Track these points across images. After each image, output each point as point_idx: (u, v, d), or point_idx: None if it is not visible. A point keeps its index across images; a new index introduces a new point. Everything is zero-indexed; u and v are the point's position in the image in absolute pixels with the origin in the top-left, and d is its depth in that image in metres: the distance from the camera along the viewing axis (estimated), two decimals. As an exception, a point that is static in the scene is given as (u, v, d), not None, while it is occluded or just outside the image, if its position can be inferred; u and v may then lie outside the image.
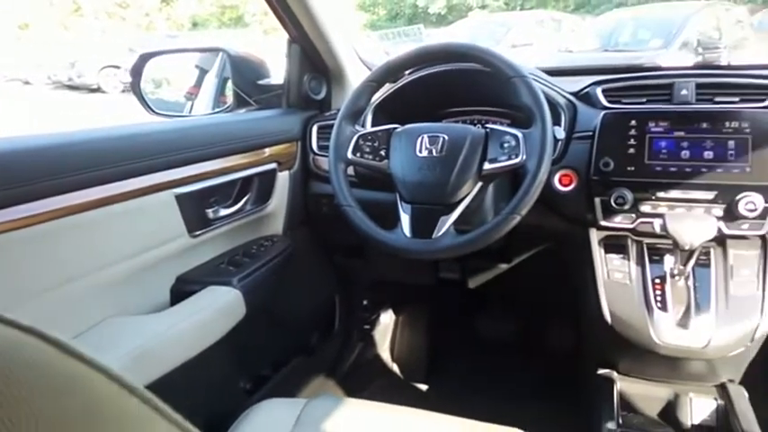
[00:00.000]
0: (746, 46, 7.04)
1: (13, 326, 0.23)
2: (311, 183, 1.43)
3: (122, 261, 0.95)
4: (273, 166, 1.30)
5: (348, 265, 1.65)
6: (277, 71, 1.52)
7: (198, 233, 1.10)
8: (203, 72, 1.69)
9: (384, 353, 1.89)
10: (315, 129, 1.40)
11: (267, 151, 1.28)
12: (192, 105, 1.68)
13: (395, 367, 1.87)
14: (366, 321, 1.85)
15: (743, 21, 7.72)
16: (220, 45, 1.60)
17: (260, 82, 1.48)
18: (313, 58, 1.39)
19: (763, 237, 1.04)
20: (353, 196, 1.10)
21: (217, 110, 1.60)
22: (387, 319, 1.91)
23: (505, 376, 1.66)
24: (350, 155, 1.11)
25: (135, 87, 1.43)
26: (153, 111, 1.43)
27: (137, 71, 1.42)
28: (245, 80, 1.47)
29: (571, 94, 1.22)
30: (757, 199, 1.00)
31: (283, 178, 1.35)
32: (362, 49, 1.52)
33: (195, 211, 1.08)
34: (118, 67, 11.55)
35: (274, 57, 1.54)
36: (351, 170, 1.26)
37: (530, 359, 1.72)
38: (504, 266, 1.39)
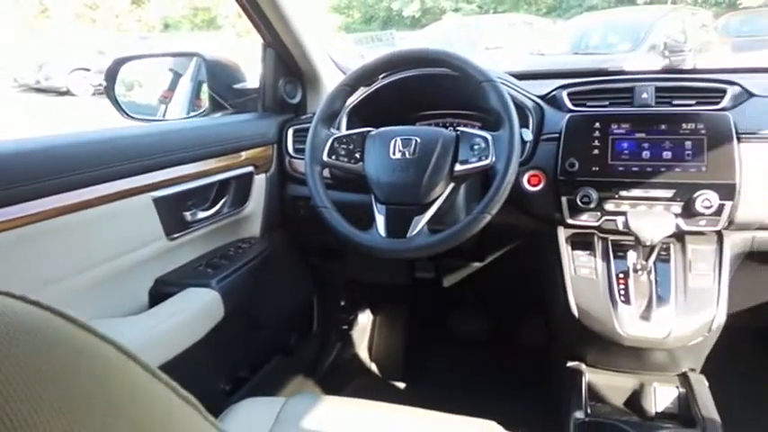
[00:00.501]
0: (711, 49, 7.25)
1: (36, 305, 0.26)
2: (288, 185, 1.45)
3: (101, 264, 0.96)
4: (250, 169, 1.32)
5: (325, 266, 1.68)
6: (252, 75, 1.54)
7: (176, 236, 1.11)
8: (177, 76, 1.70)
9: (362, 352, 1.92)
10: (290, 132, 1.42)
11: (244, 155, 1.30)
12: (165, 109, 1.69)
13: (373, 366, 1.90)
14: (344, 322, 1.87)
15: (707, 25, 7.94)
16: (194, 48, 1.61)
17: (235, 86, 1.50)
18: (288, 63, 1.42)
19: (718, 232, 1.10)
20: (329, 198, 1.13)
21: (192, 114, 1.60)
22: (364, 319, 1.94)
23: (480, 372, 1.71)
24: (325, 157, 1.14)
25: (109, 92, 1.43)
26: (128, 115, 1.44)
27: (111, 75, 1.42)
28: (220, 84, 1.48)
29: (538, 97, 1.27)
30: (712, 196, 1.05)
31: (260, 181, 1.37)
32: (337, 53, 1.55)
33: (173, 214, 1.10)
34: (88, 70, 11.33)
35: (249, 57, 1.55)
36: (326, 172, 1.28)
37: (504, 355, 1.76)
38: (477, 265, 1.43)
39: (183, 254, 1.18)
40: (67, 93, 11.52)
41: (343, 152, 1.14)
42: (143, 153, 1.02)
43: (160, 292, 1.08)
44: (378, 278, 1.67)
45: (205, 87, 1.54)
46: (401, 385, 1.81)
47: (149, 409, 0.28)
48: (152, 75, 1.83)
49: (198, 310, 1.07)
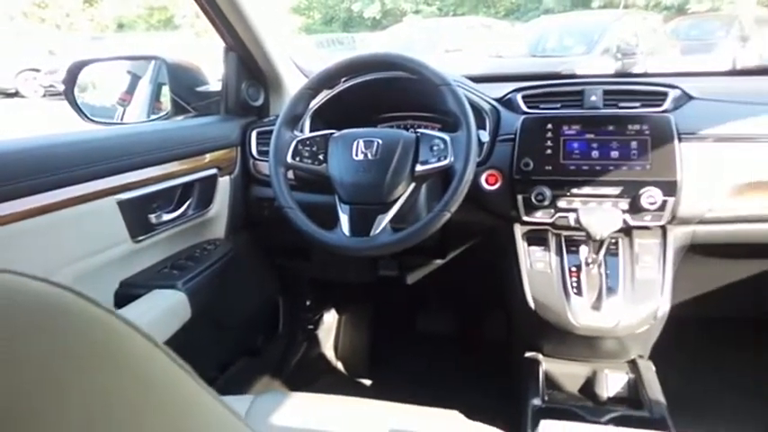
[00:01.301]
0: (661, 52, 7.53)
1: (54, 285, 0.27)
2: (252, 187, 1.47)
3: (65, 267, 0.96)
4: (214, 171, 1.33)
5: (290, 266, 1.70)
6: (214, 76, 1.54)
7: (141, 238, 1.11)
8: (136, 78, 1.68)
9: (328, 351, 1.94)
10: (254, 134, 1.44)
11: (207, 157, 1.31)
12: (124, 112, 1.67)
13: (339, 364, 1.93)
14: (310, 321, 1.90)
15: (658, 29, 8.25)
16: (152, 50, 1.60)
17: (197, 89, 1.51)
18: (250, 66, 1.43)
19: (662, 227, 1.17)
20: (294, 198, 1.16)
21: (153, 116, 1.60)
22: (330, 318, 1.96)
23: (445, 366, 1.75)
24: (289, 159, 1.17)
25: (68, 94, 1.41)
26: (88, 118, 1.43)
27: (71, 78, 1.41)
28: (182, 87, 1.48)
29: (495, 99, 1.33)
30: (656, 193, 1.13)
31: (224, 183, 1.38)
32: (299, 57, 1.57)
33: (138, 216, 1.10)
34: (37, 71, 10.94)
35: (211, 58, 1.55)
36: (290, 174, 1.31)
37: (467, 349, 1.82)
38: (439, 262, 1.48)
39: (148, 256, 1.18)
40: (16, 94, 11.10)
41: (306, 154, 1.17)
42: (107, 156, 1.03)
43: (126, 295, 1.08)
44: (342, 277, 1.70)
45: (165, 90, 1.54)
46: (367, 382, 1.85)
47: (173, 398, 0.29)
48: (108, 77, 1.81)
49: (164, 311, 1.08)
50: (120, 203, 1.05)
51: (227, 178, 1.39)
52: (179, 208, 1.24)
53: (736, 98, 1.24)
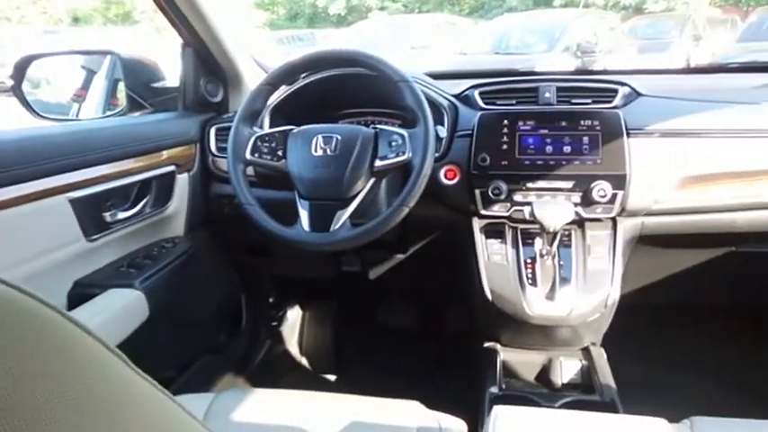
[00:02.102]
0: (619, 50, 7.73)
1: (4, 284, 0.27)
2: (212, 184, 1.46)
3: (15, 267, 0.94)
4: (172, 168, 1.32)
5: (252, 263, 1.69)
6: (172, 73, 1.52)
7: (95, 237, 1.10)
8: (91, 73, 1.65)
9: (293, 347, 1.94)
10: (213, 131, 1.43)
11: (165, 154, 1.30)
12: (79, 108, 1.64)
13: (303, 360, 1.93)
14: (273, 318, 1.89)
15: (615, 28, 8.47)
16: (108, 45, 1.57)
17: (154, 85, 1.48)
18: (208, 62, 1.42)
19: (613, 219, 1.22)
20: (253, 195, 1.15)
21: (109, 113, 1.57)
22: (294, 314, 1.96)
23: (408, 359, 1.77)
24: (248, 155, 1.16)
25: (17, 90, 1.37)
26: (39, 114, 1.39)
27: (19, 73, 1.37)
28: (138, 83, 1.46)
29: (453, 96, 1.35)
30: (606, 186, 1.17)
31: (183, 180, 1.37)
32: (258, 52, 1.56)
33: (91, 214, 1.08)
34: (-16, 66, 10.53)
35: (172, 54, 1.53)
36: (250, 170, 1.30)
37: (428, 341, 1.85)
38: (400, 256, 1.50)
39: (104, 255, 1.17)
40: (-39, 89, 10.65)
41: (265, 150, 1.17)
42: (58, 153, 1.01)
43: (80, 295, 1.06)
44: (305, 273, 1.70)
45: (122, 86, 1.51)
46: (332, 377, 1.85)
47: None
48: (62, 72, 1.77)
49: (121, 310, 1.07)
50: (73, 201, 1.03)
51: (185, 175, 1.38)
52: (136, 206, 1.22)
53: (682, 95, 1.30)
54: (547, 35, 7.17)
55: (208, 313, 1.57)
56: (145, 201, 1.24)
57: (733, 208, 1.22)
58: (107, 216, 1.14)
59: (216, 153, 1.42)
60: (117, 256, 1.20)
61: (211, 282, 1.57)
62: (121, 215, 1.18)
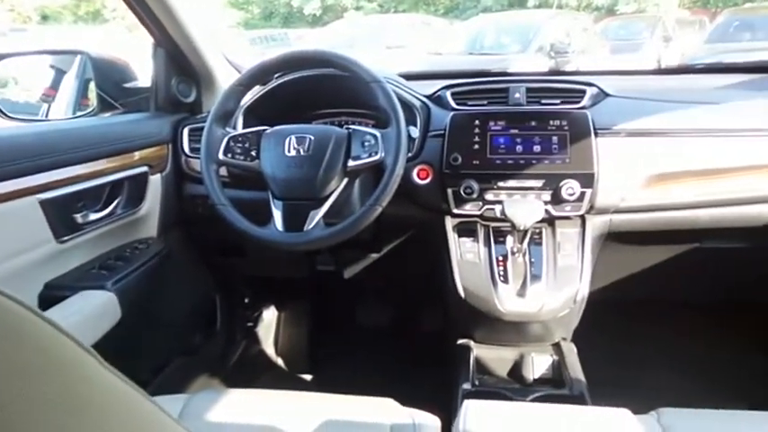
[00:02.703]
0: (591, 51, 7.85)
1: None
2: (185, 184, 1.45)
3: None
4: (144, 169, 1.31)
5: (227, 263, 1.69)
6: (145, 72, 1.51)
7: (66, 239, 1.08)
8: (60, 73, 1.62)
9: (268, 348, 1.94)
10: (186, 131, 1.42)
11: (137, 154, 1.29)
12: (48, 108, 1.61)
13: (279, 360, 1.93)
14: (248, 318, 1.89)
15: (588, 28, 8.59)
16: (79, 43, 1.55)
17: (126, 85, 1.47)
18: (180, 62, 1.41)
19: (582, 216, 1.25)
20: (227, 195, 1.16)
21: (80, 113, 1.55)
22: (269, 314, 1.96)
23: (384, 358, 1.79)
24: (221, 156, 1.16)
25: (-16, 90, 1.36)
26: (6, 115, 1.36)
27: (-14, 73, 1.35)
28: (109, 83, 1.45)
29: (425, 96, 1.37)
30: (575, 185, 1.20)
31: (155, 181, 1.36)
32: (231, 52, 1.56)
33: (62, 216, 1.07)
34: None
35: (144, 53, 1.52)
36: (224, 171, 1.30)
37: (405, 339, 1.86)
38: (374, 256, 1.51)
39: (75, 257, 1.15)
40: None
41: (238, 150, 1.17)
42: (27, 154, 0.99)
43: (51, 297, 1.05)
44: (280, 273, 1.70)
45: (93, 86, 1.50)
46: (308, 376, 1.86)
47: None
48: (31, 72, 1.74)
49: (92, 312, 1.06)
50: (43, 203, 1.02)
51: (158, 176, 1.37)
52: (107, 207, 1.21)
53: (650, 95, 1.33)
54: (521, 36, 7.25)
55: (182, 314, 1.56)
56: (117, 202, 1.23)
57: (696, 205, 1.25)
58: (78, 217, 1.12)
59: (189, 153, 1.41)
60: (88, 257, 1.19)
61: (185, 283, 1.57)
62: (93, 216, 1.17)
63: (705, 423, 0.92)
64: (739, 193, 1.23)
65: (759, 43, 6.00)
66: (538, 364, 1.26)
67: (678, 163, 1.23)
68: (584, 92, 1.30)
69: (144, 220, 1.35)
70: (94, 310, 1.06)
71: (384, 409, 0.98)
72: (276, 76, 1.36)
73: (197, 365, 1.66)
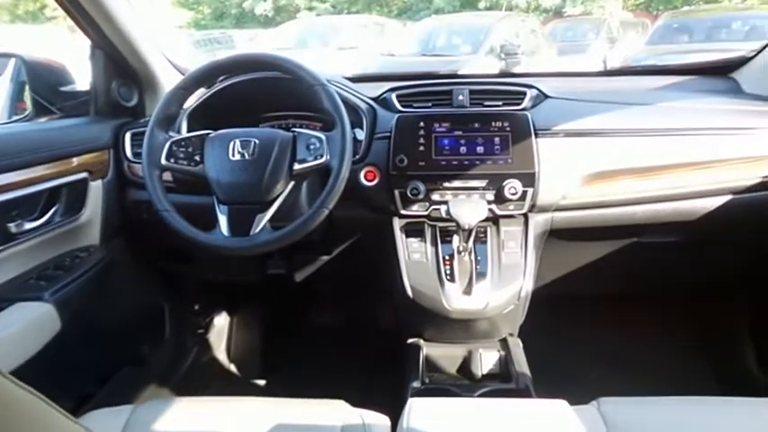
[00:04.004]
0: (539, 53, 8.05)
1: None
2: (128, 190, 1.42)
3: None
4: (84, 175, 1.27)
5: (175, 270, 1.65)
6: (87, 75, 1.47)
7: (-1, 249, 1.04)
8: (-8, 77, 1.56)
9: (220, 354, 1.91)
10: (128, 136, 1.39)
11: (75, 161, 1.25)
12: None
13: (232, 366, 1.91)
14: (199, 325, 1.86)
15: (536, 30, 8.79)
16: (16, 45, 1.49)
17: (63, 89, 1.42)
18: (120, 64, 1.38)
19: (524, 215, 1.28)
20: (171, 201, 1.14)
21: (14, 118, 1.49)
22: (221, 320, 1.93)
23: (337, 360, 1.79)
24: (164, 161, 1.15)
25: None
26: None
27: None
28: (45, 87, 1.40)
29: (371, 99, 1.38)
30: (517, 184, 1.23)
31: (96, 187, 1.32)
32: (175, 54, 1.53)
33: None
34: None
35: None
36: (169, 176, 1.28)
37: (357, 341, 1.86)
38: (325, 258, 1.51)
39: (10, 268, 1.11)
40: None
41: (182, 155, 1.15)
42: None
43: None
44: (230, 278, 1.68)
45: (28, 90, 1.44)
46: (261, 382, 1.84)
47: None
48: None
49: (29, 324, 1.02)
50: None
51: (99, 182, 1.33)
52: (44, 215, 1.17)
53: (587, 97, 1.38)
54: (472, 37, 7.36)
55: (128, 324, 1.52)
56: (54, 209, 1.20)
57: (633, 201, 1.31)
58: (12, 227, 1.09)
59: (132, 159, 1.38)
60: (25, 267, 1.15)
61: (130, 291, 1.53)
62: (28, 225, 1.13)
63: (643, 410, 0.97)
64: (673, 190, 1.29)
65: (695, 45, 6.27)
66: (486, 360, 1.29)
67: (615, 162, 1.28)
68: (524, 94, 1.34)
69: (85, 228, 1.31)
70: (31, 322, 1.03)
71: (335, 410, 0.99)
72: (220, 79, 1.34)
73: (145, 375, 1.62)
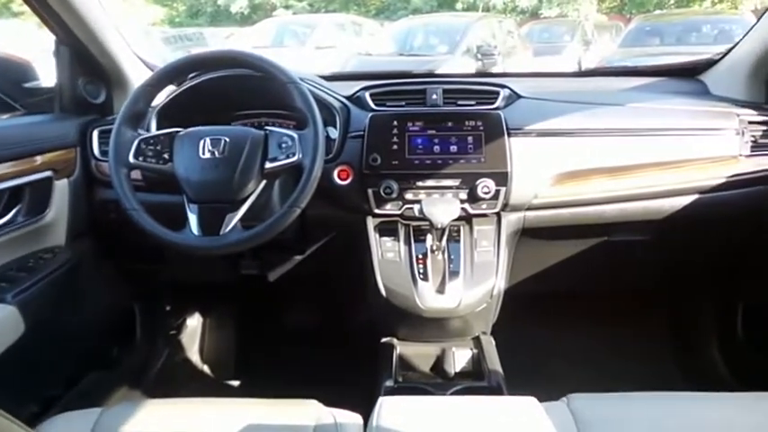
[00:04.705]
0: (516, 54, 8.13)
1: None
2: (96, 189, 1.39)
3: None
4: (48, 174, 1.24)
5: (145, 270, 1.62)
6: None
7: (-42, 250, 1.01)
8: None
9: (193, 355, 1.89)
10: (95, 134, 1.36)
11: (39, 159, 1.22)
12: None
13: (205, 368, 1.88)
14: (171, 326, 1.83)
15: (513, 32, 8.88)
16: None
17: (27, 85, 1.39)
18: (87, 61, 1.35)
19: (497, 214, 1.29)
20: (138, 199, 1.12)
21: (-24, 115, 1.45)
22: (194, 321, 1.91)
23: (311, 360, 1.78)
24: (132, 159, 1.12)
25: None
26: None
27: None
28: (8, 83, 1.36)
29: (345, 97, 1.37)
30: (490, 183, 1.24)
31: (62, 186, 1.29)
32: (146, 51, 1.50)
33: None
34: None
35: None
36: (137, 174, 1.26)
37: (331, 340, 1.85)
38: (298, 257, 1.50)
39: None
40: None
41: (150, 153, 1.13)
42: None
43: None
44: (202, 278, 1.66)
45: (-9, 86, 1.40)
46: (235, 382, 1.82)
47: None
48: None
49: None
50: None
51: (65, 181, 1.30)
52: (5, 215, 1.14)
53: (559, 97, 1.40)
54: (448, 37, 7.40)
55: (96, 326, 1.49)
56: (17, 209, 1.17)
57: (603, 201, 1.33)
58: (-29, 228, 1.05)
59: (99, 157, 1.36)
60: None
61: (99, 292, 1.50)
62: (-12, 226, 1.10)
63: (612, 406, 0.98)
64: (642, 189, 1.32)
65: (667, 48, 6.41)
66: (459, 359, 1.29)
67: (586, 161, 1.29)
68: (497, 93, 1.34)
69: (50, 228, 1.27)
70: None
71: (307, 410, 0.98)
72: (191, 76, 1.32)
73: (115, 378, 1.59)
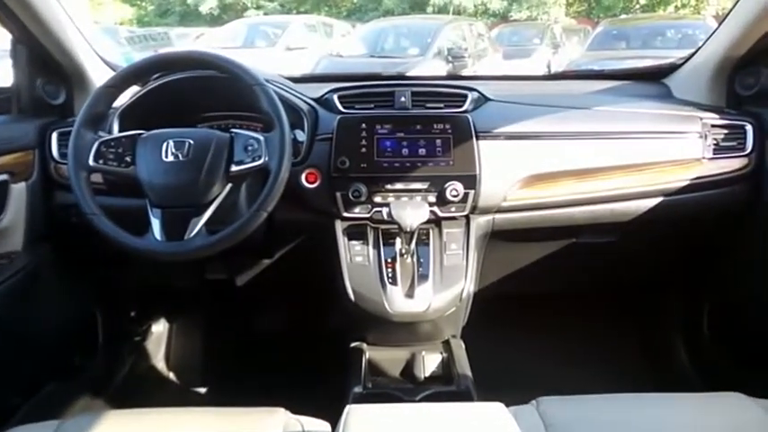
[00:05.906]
0: (486, 56, 8.22)
1: None
2: (55, 193, 1.35)
3: None
4: (4, 177, 1.20)
5: (107, 276, 1.58)
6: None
7: None
8: None
9: (159, 362, 1.84)
10: (55, 136, 1.32)
11: None
12: None
13: (171, 375, 1.84)
14: (136, 333, 1.78)
15: (483, 34, 8.98)
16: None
17: (-19, 86, 1.34)
18: (45, 60, 1.30)
19: (466, 216, 1.29)
20: (99, 203, 1.09)
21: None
22: (159, 328, 1.86)
23: (279, 366, 1.75)
24: (92, 162, 1.09)
25: None
26: None
27: None
28: (-39, 83, 1.31)
29: (313, 99, 1.35)
30: (459, 186, 1.24)
31: (19, 190, 1.25)
32: (108, 52, 1.46)
33: None
34: None
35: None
36: (99, 178, 1.22)
37: (299, 346, 1.83)
38: (267, 262, 1.48)
39: None
40: None
41: (111, 156, 1.10)
42: None
43: None
44: (167, 283, 1.62)
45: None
46: (202, 390, 1.78)
47: None
48: None
49: None
50: None
51: (22, 184, 1.26)
52: None
53: (527, 100, 1.40)
54: (419, 39, 7.45)
55: (56, 333, 1.44)
56: (-30, 214, 1.12)
57: (571, 203, 1.34)
58: None
59: (58, 159, 1.32)
60: None
61: (58, 299, 1.45)
62: (-61, 231, 1.05)
63: (581, 408, 0.99)
64: (608, 192, 1.33)
65: (633, 51, 6.56)
66: (428, 363, 1.29)
67: (554, 164, 1.30)
68: (466, 96, 1.34)
69: (6, 234, 1.23)
70: None
71: (274, 418, 0.97)
72: (154, 77, 1.29)
73: (76, 388, 1.54)
